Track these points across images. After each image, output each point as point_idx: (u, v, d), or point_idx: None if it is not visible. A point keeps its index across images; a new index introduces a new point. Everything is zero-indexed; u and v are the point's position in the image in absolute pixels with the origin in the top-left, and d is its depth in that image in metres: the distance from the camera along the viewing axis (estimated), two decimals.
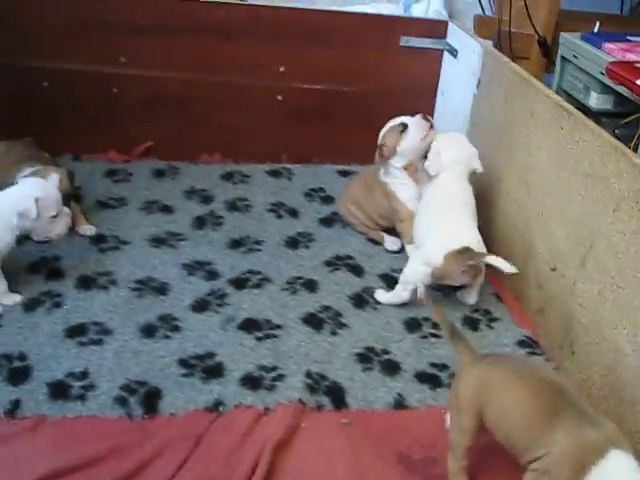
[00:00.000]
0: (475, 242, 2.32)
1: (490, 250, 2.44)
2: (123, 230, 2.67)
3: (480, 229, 2.40)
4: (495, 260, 2.20)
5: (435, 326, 2.31)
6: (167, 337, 2.18)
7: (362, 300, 2.41)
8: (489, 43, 2.98)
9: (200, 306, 2.32)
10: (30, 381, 1.97)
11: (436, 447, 1.88)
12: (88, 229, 2.64)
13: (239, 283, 2.45)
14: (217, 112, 3.17)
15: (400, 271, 2.40)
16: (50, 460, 1.75)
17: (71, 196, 2.55)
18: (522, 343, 2.27)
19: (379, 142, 2.63)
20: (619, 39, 2.96)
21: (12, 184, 2.32)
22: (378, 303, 2.40)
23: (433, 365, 2.16)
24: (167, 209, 2.85)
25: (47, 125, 3.03)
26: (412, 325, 2.32)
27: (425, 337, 2.28)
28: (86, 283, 2.38)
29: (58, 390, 1.95)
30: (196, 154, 3.23)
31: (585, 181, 2.09)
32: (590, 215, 2.07)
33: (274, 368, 2.09)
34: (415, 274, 2.33)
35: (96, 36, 3.00)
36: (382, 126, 2.64)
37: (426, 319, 2.34)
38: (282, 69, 3.14)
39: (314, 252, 2.66)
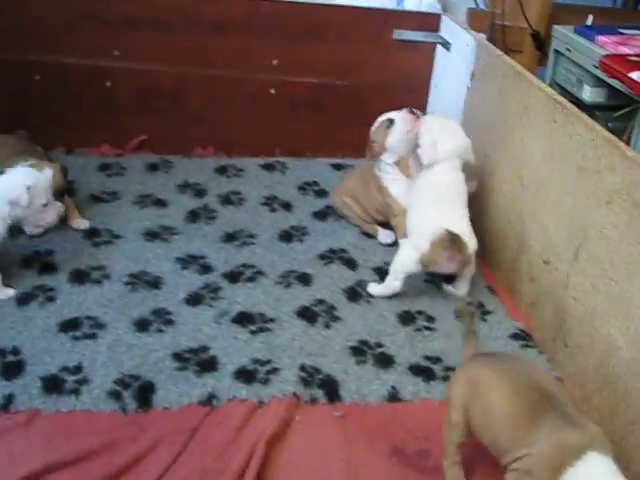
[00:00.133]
0: (467, 233, 2.33)
1: (483, 243, 2.45)
2: (116, 224, 2.67)
3: (473, 222, 2.40)
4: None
5: (429, 319, 2.32)
6: (161, 331, 2.18)
7: (356, 293, 2.42)
8: (482, 36, 2.98)
9: (194, 300, 2.32)
10: (24, 375, 1.97)
11: (430, 440, 1.88)
12: (81, 223, 2.63)
13: (233, 277, 2.45)
14: (210, 106, 3.16)
15: None
16: (44, 454, 1.75)
17: (65, 191, 2.54)
18: (515, 336, 2.28)
19: (369, 140, 2.64)
20: (612, 32, 2.96)
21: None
22: (371, 296, 2.40)
23: (427, 358, 2.17)
24: (160, 203, 2.84)
25: (40, 119, 3.02)
26: (406, 318, 2.33)
27: (419, 330, 2.28)
28: (79, 277, 2.38)
29: (52, 384, 1.95)
30: (189, 148, 3.22)
31: (578, 174, 2.09)
32: (583, 208, 2.07)
33: (268, 361, 2.09)
34: (404, 261, 2.34)
35: (89, 30, 2.99)
36: (375, 119, 2.64)
37: (420, 312, 2.35)
38: (275, 62, 3.14)
39: (308, 246, 2.66)
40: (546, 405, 1.58)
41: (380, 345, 2.20)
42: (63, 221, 2.51)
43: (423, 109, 3.13)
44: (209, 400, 1.95)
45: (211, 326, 2.22)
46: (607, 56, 2.73)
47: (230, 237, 2.67)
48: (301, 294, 2.39)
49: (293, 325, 2.25)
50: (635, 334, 1.83)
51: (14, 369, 1.99)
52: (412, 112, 2.56)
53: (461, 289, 2.44)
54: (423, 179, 2.46)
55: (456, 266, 2.34)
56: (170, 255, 2.53)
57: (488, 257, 2.60)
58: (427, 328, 2.29)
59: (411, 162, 2.54)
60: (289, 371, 2.05)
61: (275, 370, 2.05)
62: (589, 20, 3.15)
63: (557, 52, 3.11)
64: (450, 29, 3.05)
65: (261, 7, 3.06)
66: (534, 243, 2.33)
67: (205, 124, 3.19)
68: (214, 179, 3.05)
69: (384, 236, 2.70)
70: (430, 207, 2.38)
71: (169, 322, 2.22)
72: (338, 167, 3.20)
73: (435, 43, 3.15)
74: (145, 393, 1.95)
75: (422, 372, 2.11)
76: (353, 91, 3.20)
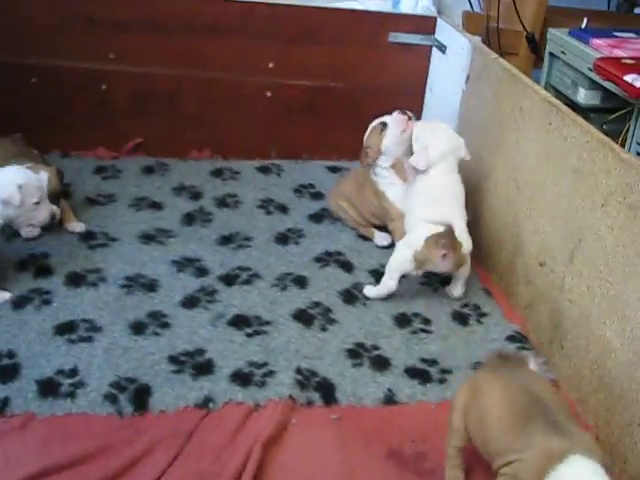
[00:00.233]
0: (463, 233, 2.34)
1: (479, 246, 2.45)
2: (112, 227, 2.66)
3: (468, 224, 2.40)
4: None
5: (425, 321, 2.32)
6: (157, 334, 2.17)
7: (352, 296, 2.42)
8: (477, 39, 2.99)
9: (190, 302, 2.32)
10: (19, 379, 1.97)
11: (426, 442, 1.88)
12: (77, 226, 2.63)
13: (229, 279, 2.44)
14: (206, 109, 3.16)
15: None
16: (39, 458, 1.74)
17: (60, 194, 2.54)
18: (512, 338, 2.28)
19: (364, 146, 2.64)
20: (607, 35, 2.97)
21: None
22: (368, 299, 2.40)
23: (423, 360, 2.17)
24: (156, 206, 2.84)
25: (36, 121, 3.01)
26: (402, 321, 2.33)
27: (415, 332, 2.28)
28: (75, 280, 2.37)
29: (47, 388, 1.94)
30: (185, 150, 3.22)
31: (573, 176, 2.10)
32: (578, 210, 2.07)
33: (264, 364, 2.09)
34: (398, 260, 2.35)
35: (85, 32, 2.98)
36: (371, 122, 2.65)
37: (416, 314, 2.35)
38: (271, 65, 3.14)
39: (304, 248, 2.66)
40: (537, 412, 1.58)
41: (376, 348, 2.20)
42: (59, 224, 2.50)
43: (418, 112, 3.13)
44: (205, 403, 1.94)
45: (207, 329, 2.21)
46: (602, 59, 2.73)
47: (226, 240, 2.66)
48: (297, 297, 2.39)
49: (289, 328, 2.25)
50: (631, 336, 1.83)
51: (9, 372, 1.98)
52: (404, 113, 2.57)
53: (456, 290, 2.44)
54: (419, 183, 2.47)
55: (450, 265, 2.34)
56: (166, 258, 2.52)
57: (484, 260, 2.60)
58: (423, 330, 2.29)
59: (406, 167, 2.54)
60: (285, 374, 2.05)
61: (271, 373, 2.05)
62: (584, 23, 3.16)
63: (552, 55, 3.12)
64: (445, 32, 3.05)
65: (257, 10, 3.06)
66: (530, 245, 2.33)
67: (201, 127, 3.18)
68: (210, 182, 3.04)
69: (380, 238, 2.70)
70: (427, 209, 2.39)
71: (165, 325, 2.21)
72: (334, 170, 3.20)
73: (430, 46, 3.15)
74: (141, 396, 1.95)
75: (418, 374, 2.11)
76: (349, 94, 3.20)
